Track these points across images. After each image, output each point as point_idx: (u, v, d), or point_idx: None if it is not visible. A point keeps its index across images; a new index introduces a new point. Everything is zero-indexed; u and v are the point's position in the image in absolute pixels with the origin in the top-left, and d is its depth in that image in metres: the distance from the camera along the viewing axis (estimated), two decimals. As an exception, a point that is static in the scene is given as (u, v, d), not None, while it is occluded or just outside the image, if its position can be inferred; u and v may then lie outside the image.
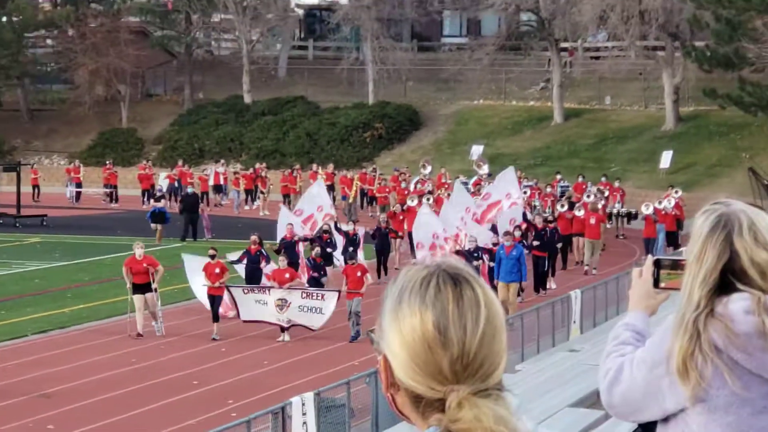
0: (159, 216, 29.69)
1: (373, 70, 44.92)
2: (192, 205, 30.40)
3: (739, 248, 2.25)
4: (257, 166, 38.60)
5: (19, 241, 30.18)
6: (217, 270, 18.76)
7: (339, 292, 18.65)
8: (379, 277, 23.64)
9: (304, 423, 12.21)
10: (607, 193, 31.40)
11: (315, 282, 19.74)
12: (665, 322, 2.35)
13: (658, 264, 2.43)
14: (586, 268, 25.80)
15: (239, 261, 20.36)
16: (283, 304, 18.35)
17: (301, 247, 21.87)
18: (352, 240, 22.89)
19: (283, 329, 18.69)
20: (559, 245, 23.61)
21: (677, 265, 2.38)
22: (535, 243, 23.36)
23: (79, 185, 40.72)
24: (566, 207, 27.28)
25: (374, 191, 35.39)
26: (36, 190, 39.35)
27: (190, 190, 32.14)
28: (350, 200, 34.94)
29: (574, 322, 19.20)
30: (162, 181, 38.51)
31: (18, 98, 48.05)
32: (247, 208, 37.38)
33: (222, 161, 41.27)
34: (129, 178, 41.34)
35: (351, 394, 12.96)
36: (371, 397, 13.24)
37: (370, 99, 45.30)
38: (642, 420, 2.41)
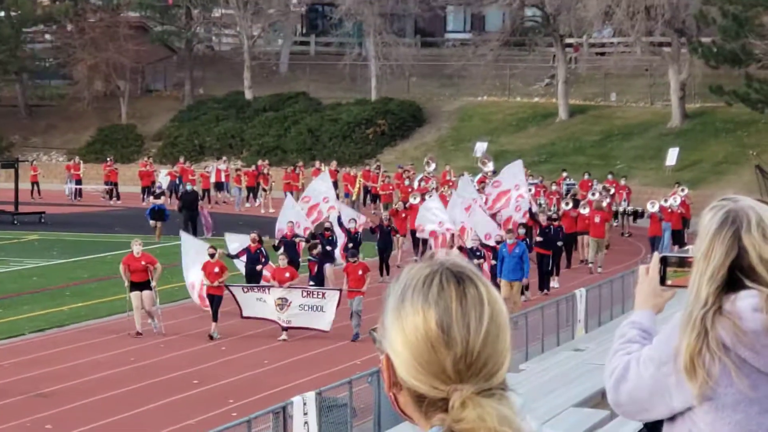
0: (158, 213, 29.49)
1: (376, 66, 44.73)
2: (191, 202, 30.17)
3: (747, 245, 2.23)
4: (260, 163, 38.38)
5: (17, 239, 30.01)
6: (216, 269, 18.55)
7: (340, 290, 18.45)
8: (381, 275, 23.44)
9: (306, 423, 12.07)
10: (612, 191, 31.18)
11: (316, 280, 19.54)
12: (672, 319, 2.32)
13: (664, 261, 2.41)
14: (590, 266, 25.58)
15: (237, 257, 20.13)
16: (283, 303, 18.16)
17: (302, 245, 21.73)
18: (353, 238, 22.70)
19: (284, 328, 18.49)
20: (560, 243, 23.32)
21: (684, 263, 2.37)
22: (539, 239, 23.14)
23: (78, 182, 40.54)
24: (571, 205, 27.07)
25: (378, 189, 35.18)
26: (36, 187, 39.14)
27: (189, 187, 31.93)
28: (353, 197, 34.77)
29: (579, 321, 19.00)
30: (163, 178, 38.32)
31: (16, 94, 47.92)
32: (248, 205, 37.17)
33: (224, 158, 41.10)
34: (128, 174, 41.15)
35: (353, 393, 12.86)
36: (373, 396, 13.13)
37: (373, 95, 45.12)
38: (649, 419, 2.39)
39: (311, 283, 19.64)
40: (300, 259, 20.69)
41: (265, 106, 45.84)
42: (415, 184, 32.60)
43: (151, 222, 29.33)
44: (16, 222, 32.41)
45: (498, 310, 1.67)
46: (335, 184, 31.00)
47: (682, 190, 29.52)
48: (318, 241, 21.24)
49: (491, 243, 21.48)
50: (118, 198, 39.15)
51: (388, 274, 23.51)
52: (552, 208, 27.64)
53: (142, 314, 18.52)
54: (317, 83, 46.75)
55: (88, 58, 45.58)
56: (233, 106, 46.29)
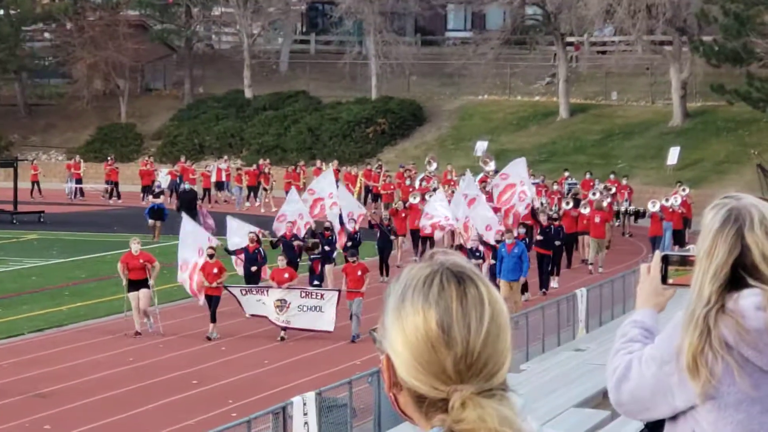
0: (157, 212, 29.41)
1: (376, 65, 44.68)
2: (189, 201, 30.11)
3: (750, 243, 2.22)
4: (261, 162, 38.32)
5: (16, 238, 29.95)
6: (215, 270, 18.47)
7: (339, 291, 18.39)
8: (381, 275, 23.38)
9: (306, 423, 12.04)
10: (614, 191, 31.10)
11: (320, 279, 19.47)
12: (674, 318, 2.31)
13: (666, 260, 2.40)
14: (590, 267, 25.50)
15: (234, 254, 20.05)
16: (282, 304, 18.10)
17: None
18: (353, 237, 22.65)
19: (282, 328, 18.42)
20: (557, 243, 23.25)
21: (685, 261, 2.36)
22: (539, 238, 23.08)
23: (79, 181, 40.47)
24: (571, 204, 27.00)
25: (379, 188, 35.09)
26: (36, 187, 39.07)
27: (187, 186, 31.86)
28: (354, 197, 34.65)
29: (580, 321, 18.94)
30: (163, 177, 38.26)
31: (15, 92, 47.87)
32: (248, 205, 37.09)
33: (225, 157, 41.04)
34: (127, 174, 41.09)
35: (353, 393, 12.85)
36: (373, 396, 13.11)
37: (373, 94, 45.06)
38: (651, 418, 2.38)
39: (316, 282, 19.56)
40: (299, 260, 20.62)
41: (265, 105, 45.78)
42: (417, 184, 32.52)
43: (150, 221, 29.25)
44: (15, 221, 32.35)
45: (498, 310, 1.66)
46: (336, 183, 30.95)
47: (683, 189, 29.44)
48: (318, 240, 21.18)
49: (492, 234, 21.39)
50: (119, 197, 39.09)
51: (387, 274, 23.44)
52: (553, 208, 27.54)
53: (152, 311, 18.48)
54: (317, 82, 46.69)
55: (88, 57, 45.51)
56: (233, 105, 46.23)
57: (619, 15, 39.22)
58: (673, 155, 36.68)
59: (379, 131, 43.13)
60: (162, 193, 32.08)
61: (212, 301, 18.53)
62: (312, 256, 20.04)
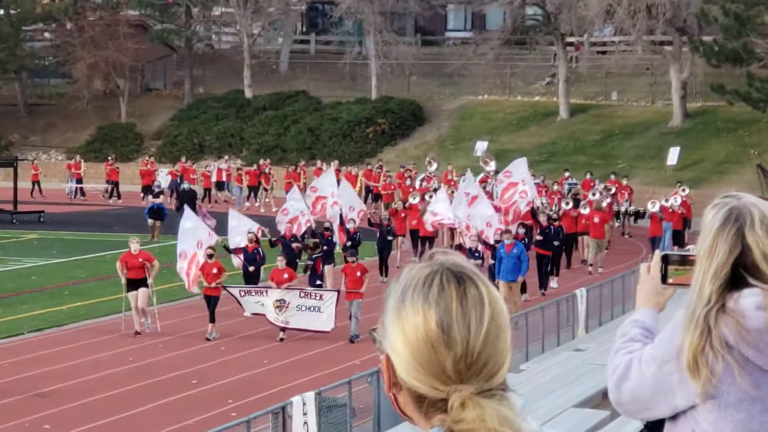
0: (157, 212, 29.40)
1: (376, 65, 44.67)
2: (188, 200, 30.05)
3: (751, 242, 2.23)
4: (261, 162, 38.31)
5: (16, 238, 29.93)
6: (215, 270, 18.44)
7: (338, 292, 18.37)
8: (381, 274, 23.37)
9: (305, 423, 12.03)
10: (613, 191, 31.08)
11: (322, 278, 19.45)
12: (675, 318, 2.31)
13: (666, 259, 2.40)
14: (589, 268, 25.47)
15: (233, 251, 20.02)
16: (281, 305, 18.09)
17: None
18: (352, 237, 22.63)
19: (282, 329, 18.41)
20: (556, 243, 23.22)
21: (685, 261, 2.36)
22: (539, 239, 23.06)
23: (79, 181, 40.47)
24: (571, 205, 26.98)
25: (379, 188, 35.07)
26: (37, 186, 39.06)
27: (186, 185, 31.80)
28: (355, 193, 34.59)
29: (580, 321, 18.93)
30: (163, 177, 38.24)
31: (15, 92, 47.85)
32: (247, 205, 37.07)
33: (226, 157, 41.02)
34: (127, 173, 41.09)
35: (352, 393, 12.84)
36: (373, 396, 13.11)
37: (373, 94, 45.06)
38: (651, 417, 2.37)
39: (318, 282, 19.55)
40: (298, 260, 20.60)
41: (264, 105, 45.77)
42: (417, 184, 32.49)
43: (150, 221, 29.23)
44: (15, 221, 32.33)
45: (498, 310, 1.66)
46: (337, 184, 30.95)
47: (683, 190, 29.41)
48: (318, 240, 21.16)
49: (492, 231, 21.36)
50: (119, 197, 39.08)
51: (386, 275, 23.42)
52: (553, 208, 27.53)
53: (150, 311, 18.45)
54: (317, 82, 46.68)
55: (88, 57, 45.50)
56: (233, 105, 46.22)
57: (619, 15, 39.21)
58: (673, 155, 36.67)
59: (379, 131, 43.12)
60: (162, 192, 32.07)
61: (211, 301, 18.50)
62: (314, 255, 19.99)
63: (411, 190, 31.20)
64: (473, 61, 43.26)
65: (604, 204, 26.99)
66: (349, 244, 21.86)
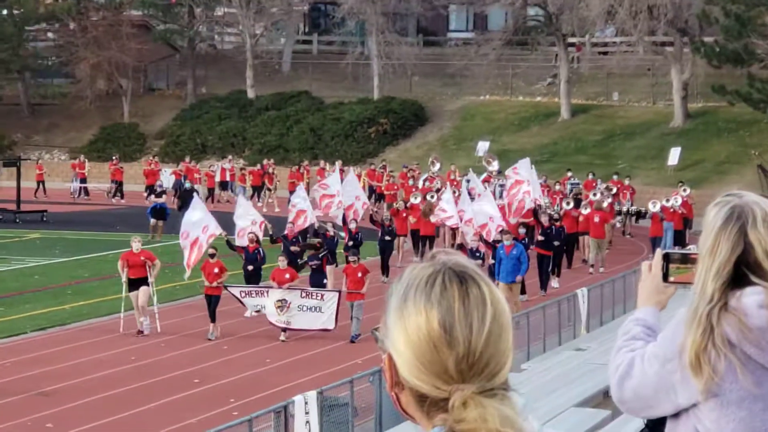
0: (159, 212, 29.42)
1: (378, 65, 44.69)
2: (189, 200, 30.02)
3: (753, 240, 2.22)
4: (265, 162, 38.34)
5: (19, 237, 29.96)
6: (216, 270, 18.46)
7: (339, 292, 18.39)
8: (382, 274, 23.40)
9: (307, 422, 12.05)
10: (615, 191, 31.09)
11: (313, 279, 19.43)
12: (677, 316, 2.31)
13: (667, 258, 2.40)
14: (590, 269, 25.47)
15: (234, 249, 20.04)
16: (283, 305, 18.09)
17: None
18: (354, 237, 22.65)
19: (283, 329, 18.42)
20: (556, 243, 23.23)
21: (687, 259, 2.37)
22: (540, 239, 23.07)
23: (84, 180, 40.51)
24: (572, 204, 26.99)
25: (382, 188, 35.07)
26: (41, 186, 39.10)
27: (188, 185, 31.78)
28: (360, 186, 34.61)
29: (582, 320, 18.95)
30: (167, 177, 38.27)
31: (18, 92, 47.87)
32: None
33: (230, 157, 41.05)
34: (130, 173, 41.12)
35: (354, 392, 12.85)
36: (375, 395, 13.13)
37: (375, 94, 45.07)
38: (653, 415, 2.37)
39: (325, 281, 19.57)
40: (299, 260, 20.64)
41: (267, 105, 45.80)
42: (420, 184, 32.50)
43: (152, 221, 29.26)
44: (18, 220, 32.37)
45: (500, 310, 1.67)
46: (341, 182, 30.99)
47: (684, 189, 29.40)
48: (320, 240, 21.17)
49: (494, 226, 21.35)
50: (122, 197, 39.12)
51: (388, 275, 23.44)
52: (555, 208, 27.55)
53: (150, 310, 18.48)
54: (319, 82, 46.70)
55: (91, 57, 45.53)
56: (235, 105, 46.25)
57: (621, 16, 39.21)
58: (674, 156, 36.68)
59: (381, 131, 43.14)
60: (164, 192, 32.09)
61: (212, 300, 18.52)
62: (320, 255, 19.97)
63: (414, 189, 31.23)
64: (475, 62, 43.27)
65: (605, 204, 27.01)
66: (350, 244, 21.87)
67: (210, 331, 18.51)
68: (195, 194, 22.14)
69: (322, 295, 18.33)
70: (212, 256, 18.63)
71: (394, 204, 28.20)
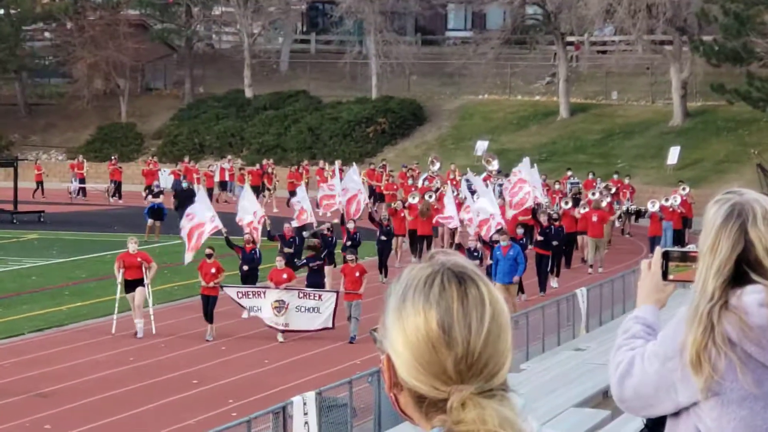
0: (157, 212, 29.37)
1: (377, 64, 44.67)
2: (186, 199, 29.99)
3: (753, 238, 2.22)
4: (264, 162, 38.30)
5: (16, 238, 29.90)
6: (213, 270, 18.40)
7: (337, 292, 18.34)
8: (380, 273, 23.36)
9: (306, 423, 12.03)
10: (614, 190, 31.07)
11: (312, 279, 19.37)
12: (677, 314, 2.31)
13: (666, 256, 2.40)
14: (589, 269, 25.43)
15: (233, 248, 20.00)
16: (281, 306, 18.02)
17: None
18: (352, 237, 22.61)
19: (281, 331, 18.36)
20: (555, 243, 23.20)
21: (686, 257, 2.37)
22: (539, 239, 23.04)
23: (82, 181, 40.46)
24: (570, 204, 26.96)
25: (382, 188, 35.04)
26: (40, 186, 39.05)
27: (185, 184, 31.70)
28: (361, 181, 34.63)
29: (582, 320, 18.92)
30: (166, 177, 38.21)
31: (15, 92, 47.84)
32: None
33: (229, 157, 41.00)
34: (128, 173, 41.07)
35: (353, 393, 12.84)
36: (373, 396, 13.11)
37: (373, 93, 45.05)
38: (654, 414, 2.37)
39: (326, 280, 19.55)
40: (296, 261, 20.61)
41: (265, 105, 45.76)
42: (419, 183, 32.48)
43: (149, 221, 29.21)
44: (15, 221, 32.30)
45: (499, 310, 1.66)
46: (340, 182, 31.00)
47: (683, 188, 29.38)
48: (319, 240, 21.13)
49: (494, 223, 21.33)
50: (120, 197, 39.06)
51: (386, 275, 23.40)
52: (554, 207, 27.54)
53: (145, 312, 18.41)
54: (317, 81, 46.68)
55: (88, 57, 45.49)
56: (233, 105, 46.22)
57: (620, 14, 39.22)
58: (673, 155, 36.69)
59: (380, 131, 43.12)
60: (161, 192, 31.98)
61: (209, 301, 18.47)
62: (323, 255, 19.92)
63: (413, 189, 31.22)
64: (473, 61, 43.26)
65: (604, 203, 26.98)
66: (348, 244, 21.83)
67: (208, 332, 18.46)
68: (201, 191, 22.35)
69: (320, 296, 18.28)
70: (209, 256, 18.57)
71: (392, 204, 28.16)
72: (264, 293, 18.23)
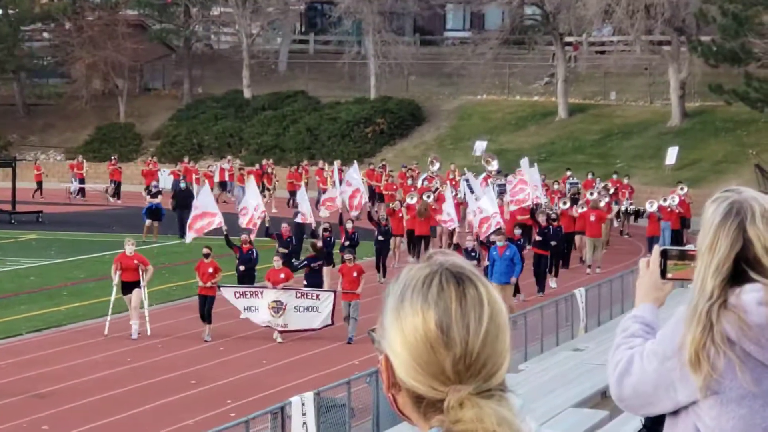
0: (155, 212, 29.35)
1: (375, 65, 44.67)
2: (184, 200, 29.97)
3: (752, 236, 2.22)
4: (264, 162, 38.30)
5: (14, 238, 29.88)
6: (210, 270, 18.38)
7: (334, 292, 18.33)
8: (378, 272, 23.36)
9: (304, 423, 12.03)
10: (613, 191, 31.08)
11: (312, 279, 19.37)
12: (676, 313, 2.31)
13: (665, 254, 2.40)
14: (588, 270, 25.42)
15: (231, 248, 20.00)
16: (278, 306, 17.98)
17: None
18: (350, 237, 22.61)
19: (280, 332, 18.34)
20: (554, 243, 23.20)
21: (684, 256, 2.37)
22: (538, 239, 23.04)
23: (82, 181, 40.44)
24: (568, 204, 26.97)
25: (381, 188, 35.04)
26: (39, 187, 39.03)
27: (182, 185, 31.62)
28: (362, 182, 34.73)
29: (582, 320, 18.92)
30: (166, 177, 38.21)
31: (14, 92, 47.83)
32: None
33: (229, 157, 41.00)
34: (126, 173, 41.06)
35: (351, 393, 12.84)
36: (372, 397, 13.11)
37: (372, 94, 45.05)
38: (653, 413, 2.36)
39: (324, 280, 19.54)
40: (294, 261, 20.60)
41: (263, 105, 45.76)
42: (419, 183, 32.50)
43: (147, 221, 29.19)
44: (13, 221, 32.29)
45: (497, 310, 1.66)
46: (340, 183, 31.05)
47: (682, 188, 29.39)
48: (321, 242, 21.13)
49: (494, 222, 21.33)
50: (119, 197, 39.04)
51: (385, 275, 23.39)
52: (553, 207, 27.55)
53: (141, 313, 18.40)
54: (316, 82, 46.68)
55: (87, 57, 45.48)
56: (232, 105, 46.21)
57: (618, 15, 39.24)
58: (671, 155, 36.72)
59: (378, 131, 43.12)
60: (159, 192, 31.94)
61: (206, 301, 18.45)
62: (322, 256, 19.90)
63: (412, 189, 31.23)
64: (472, 61, 43.27)
65: (602, 203, 26.99)
66: (347, 244, 21.84)
67: (206, 332, 18.45)
68: (205, 187, 22.61)
69: (318, 295, 18.28)
70: (207, 256, 18.55)
71: (391, 204, 28.17)
72: (261, 293, 18.21)
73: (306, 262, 19.57)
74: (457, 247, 21.26)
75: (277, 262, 18.81)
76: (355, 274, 18.41)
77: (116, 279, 18.23)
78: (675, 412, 2.33)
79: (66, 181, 40.88)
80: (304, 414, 12.04)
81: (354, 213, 25.93)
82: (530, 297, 21.66)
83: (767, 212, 2.24)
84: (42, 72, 48.50)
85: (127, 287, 18.18)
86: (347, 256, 18.83)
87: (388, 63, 44.52)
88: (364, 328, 16.97)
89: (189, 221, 20.20)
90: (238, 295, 18.32)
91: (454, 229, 25.56)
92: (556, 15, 42.15)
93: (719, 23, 34.46)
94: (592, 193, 28.34)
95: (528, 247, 23.29)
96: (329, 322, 18.03)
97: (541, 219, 23.89)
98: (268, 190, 36.75)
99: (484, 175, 31.36)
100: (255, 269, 20.26)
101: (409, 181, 33.34)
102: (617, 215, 30.60)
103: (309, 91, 46.30)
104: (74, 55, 45.76)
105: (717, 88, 34.94)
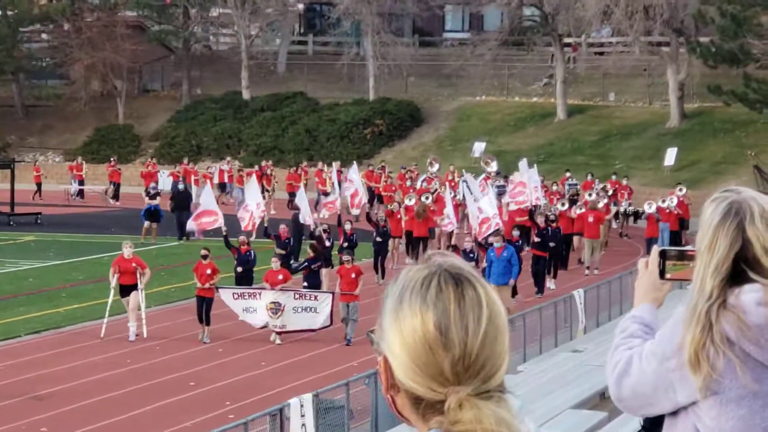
0: (153, 214, 29.33)
1: (374, 66, 44.67)
2: (182, 201, 29.95)
3: (751, 236, 2.22)
4: (263, 163, 38.30)
5: (13, 240, 29.87)
6: (209, 271, 18.37)
7: (333, 293, 18.32)
8: (377, 273, 23.35)
9: (303, 425, 12.03)
10: (611, 192, 31.08)
11: (311, 280, 19.36)
12: (675, 314, 2.31)
13: (663, 255, 2.40)
14: (586, 271, 25.41)
15: (230, 248, 19.99)
16: (277, 308, 17.96)
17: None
18: (349, 239, 22.61)
19: (278, 333, 18.32)
20: (552, 244, 23.18)
21: (683, 256, 2.37)
22: (536, 240, 23.03)
23: (81, 182, 40.42)
24: (567, 205, 26.97)
25: (380, 189, 35.05)
26: (38, 188, 39.00)
27: (180, 186, 31.60)
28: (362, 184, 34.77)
29: (581, 322, 18.91)
30: (165, 179, 38.19)
31: (12, 94, 47.81)
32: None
33: (228, 159, 40.98)
34: (125, 175, 41.05)
35: (350, 395, 12.84)
36: (371, 398, 13.11)
37: (371, 95, 45.06)
38: (652, 413, 2.36)
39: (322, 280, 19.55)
40: (292, 263, 20.59)
41: (262, 106, 45.75)
42: (418, 185, 32.49)
43: (146, 223, 29.17)
44: (12, 223, 32.28)
45: (496, 311, 1.66)
46: (339, 185, 31.08)
47: (680, 189, 29.39)
48: (317, 241, 21.13)
49: (494, 223, 21.32)
50: (117, 199, 39.03)
51: (383, 277, 23.38)
52: (552, 209, 27.54)
53: (138, 315, 18.39)
54: (315, 83, 46.68)
55: (85, 58, 45.47)
56: (231, 106, 46.20)
57: (617, 16, 39.26)
58: (670, 156, 36.73)
59: (377, 132, 43.12)
60: (158, 194, 31.94)
61: (205, 302, 18.43)
62: (321, 257, 19.90)
63: (411, 191, 31.22)
64: (471, 62, 43.28)
65: (601, 204, 26.99)
66: (345, 245, 21.84)
67: (204, 333, 18.44)
68: (207, 187, 22.69)
69: (316, 296, 18.27)
70: (205, 257, 18.55)
71: (389, 205, 28.16)
72: (259, 294, 18.20)
73: (305, 264, 19.56)
74: (455, 249, 21.27)
75: (275, 264, 18.79)
76: (353, 275, 18.40)
77: (114, 282, 18.23)
78: (674, 413, 2.33)
79: (65, 183, 40.85)
80: (302, 416, 12.04)
81: (355, 211, 25.94)
82: (529, 298, 21.65)
83: (766, 212, 2.24)
84: (41, 73, 48.48)
85: (125, 290, 18.17)
86: (346, 258, 18.82)
87: (387, 64, 44.52)
88: (363, 329, 16.95)
89: (193, 216, 20.34)
90: (236, 296, 18.30)
91: (452, 231, 25.55)
92: (555, 16, 42.16)
93: (718, 24, 34.48)
94: (590, 194, 28.34)
95: (526, 248, 23.28)
96: (328, 323, 18.01)
97: (540, 220, 23.87)
98: (268, 191, 36.71)
99: (483, 176, 31.39)
100: (253, 270, 20.25)
101: (408, 183, 33.33)
102: (616, 216, 30.59)
103: (308, 93, 46.30)
104: (73, 56, 45.74)
105: (716, 89, 34.95)
